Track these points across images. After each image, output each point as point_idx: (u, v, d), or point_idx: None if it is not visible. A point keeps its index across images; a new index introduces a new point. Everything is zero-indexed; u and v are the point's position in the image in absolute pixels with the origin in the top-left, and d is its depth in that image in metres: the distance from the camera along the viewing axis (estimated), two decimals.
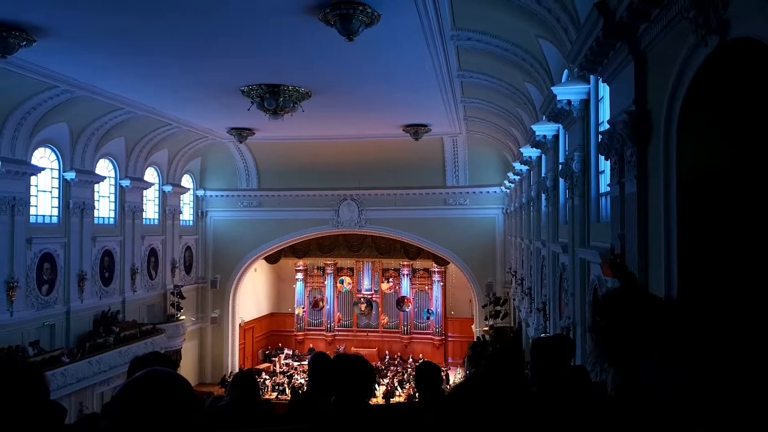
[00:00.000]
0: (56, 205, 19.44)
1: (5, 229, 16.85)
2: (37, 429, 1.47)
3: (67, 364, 17.51)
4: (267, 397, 24.33)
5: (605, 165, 8.30)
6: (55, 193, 19.40)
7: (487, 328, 23.92)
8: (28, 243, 17.82)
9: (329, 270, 34.00)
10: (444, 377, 19.26)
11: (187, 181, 27.86)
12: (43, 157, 18.64)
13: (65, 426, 1.85)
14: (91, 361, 18.57)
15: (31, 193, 18.11)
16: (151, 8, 10.19)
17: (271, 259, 31.60)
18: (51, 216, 19.31)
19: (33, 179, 18.07)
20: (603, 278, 8.05)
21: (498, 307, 24.19)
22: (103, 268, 21.51)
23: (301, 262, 33.82)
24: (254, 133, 21.97)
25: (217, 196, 29.02)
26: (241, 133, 21.69)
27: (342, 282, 34.05)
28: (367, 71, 14.30)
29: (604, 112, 8.67)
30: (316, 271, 34.44)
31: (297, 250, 31.23)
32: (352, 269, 34.01)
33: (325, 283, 34.18)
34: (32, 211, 18.28)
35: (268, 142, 24.70)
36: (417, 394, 5.51)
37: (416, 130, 21.14)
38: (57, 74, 14.52)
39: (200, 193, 28.87)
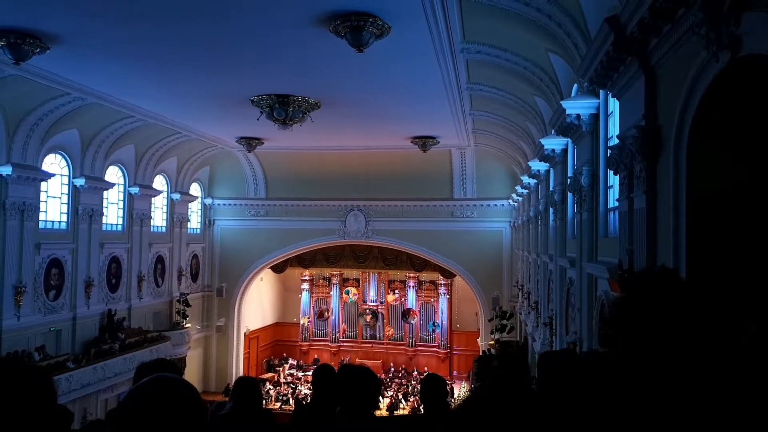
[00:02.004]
0: (65, 211, 19.54)
1: (15, 234, 16.94)
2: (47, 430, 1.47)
3: (72, 370, 17.54)
4: (270, 407, 24.22)
5: (614, 180, 8.27)
6: (65, 199, 19.51)
7: (493, 342, 23.79)
8: (37, 248, 17.92)
9: (335, 280, 33.96)
10: (449, 390, 19.14)
11: (195, 189, 27.97)
12: (54, 163, 18.75)
13: (71, 431, 1.85)
14: (96, 367, 18.60)
15: (41, 199, 18.20)
16: (164, 18, 10.29)
17: (278, 269, 31.61)
18: (60, 222, 19.41)
19: (43, 185, 18.16)
20: (611, 293, 8.00)
21: (504, 321, 24.06)
22: (110, 274, 21.58)
23: (307, 272, 33.81)
24: (263, 143, 22.06)
25: (224, 204, 29.10)
26: (250, 143, 21.77)
27: (348, 293, 33.99)
28: (376, 82, 14.36)
29: (614, 127, 8.66)
30: (321, 281, 34.41)
31: (303, 260, 31.23)
32: (357, 280, 33.97)
33: (331, 293, 34.13)
34: (41, 216, 18.37)
35: (276, 152, 24.79)
36: (422, 407, 5.46)
37: (424, 141, 21.16)
38: (69, 81, 14.65)
39: (208, 201, 28.97)
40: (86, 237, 20.08)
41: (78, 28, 10.84)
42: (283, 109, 15.26)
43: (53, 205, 19.14)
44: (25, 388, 1.47)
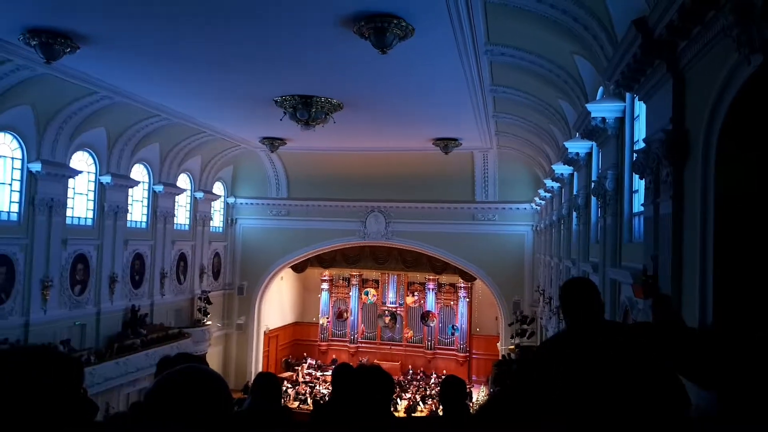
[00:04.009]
0: (91, 207, 19.88)
1: (43, 230, 17.31)
2: (73, 420, 1.50)
3: (95, 364, 17.84)
4: (288, 406, 24.33)
5: (639, 184, 8.16)
6: (91, 196, 19.85)
7: (512, 347, 23.60)
8: (64, 244, 18.27)
9: (354, 281, 34.02)
10: (468, 393, 18.96)
11: (218, 188, 28.26)
12: (81, 160, 19.09)
13: (95, 423, 1.89)
14: (118, 362, 18.91)
15: (68, 196, 18.53)
16: (189, 20, 10.41)
17: (298, 268, 31.78)
18: (86, 218, 19.76)
19: (71, 182, 18.49)
20: (634, 299, 7.90)
21: (525, 326, 23.84)
22: (133, 271, 21.90)
23: (326, 272, 33.93)
24: (286, 143, 22.21)
25: (247, 204, 29.36)
26: (273, 143, 21.94)
27: (367, 294, 34.03)
28: (399, 84, 14.37)
29: (640, 131, 8.55)
30: (341, 281, 34.50)
31: (323, 260, 31.35)
32: (377, 281, 33.99)
33: (350, 294, 34.20)
34: (68, 212, 18.71)
35: (299, 153, 24.94)
36: (440, 409, 5.44)
37: (446, 143, 21.09)
38: (98, 80, 14.91)
39: (231, 200, 29.25)
40: (111, 233, 20.41)
41: (107, 29, 11.03)
42: (306, 110, 15.35)
43: (80, 202, 19.48)
44: (58, 375, 1.50)
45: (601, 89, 10.24)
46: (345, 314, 34.01)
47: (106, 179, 19.75)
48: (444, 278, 32.12)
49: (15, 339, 16.15)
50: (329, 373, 25.89)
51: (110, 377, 18.31)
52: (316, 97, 15.25)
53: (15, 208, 16.76)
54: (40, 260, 17.27)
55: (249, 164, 27.94)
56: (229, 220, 29.35)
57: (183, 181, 25.00)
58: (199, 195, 26.00)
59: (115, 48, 12.17)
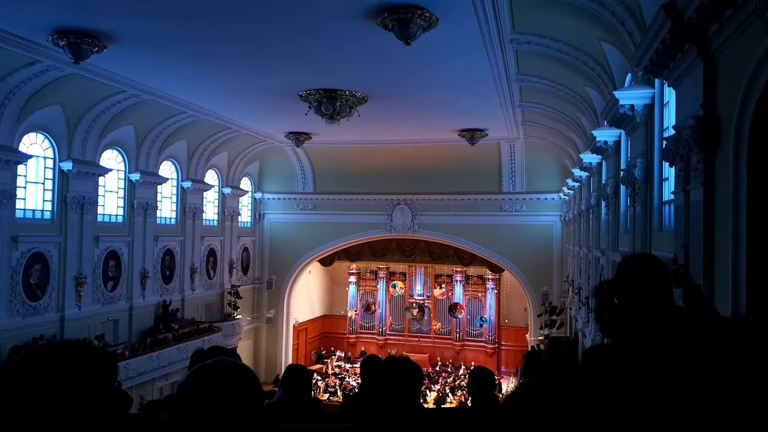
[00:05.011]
0: (122, 205, 20.27)
1: (75, 227, 17.71)
2: (108, 412, 1.54)
3: (129, 359, 18.25)
4: (318, 397, 24.55)
5: (669, 172, 8.01)
6: (121, 193, 20.24)
7: (542, 338, 23.44)
8: (96, 241, 18.67)
9: (382, 274, 34.11)
10: (497, 384, 18.91)
11: (245, 183, 28.55)
12: (111, 158, 19.46)
13: (130, 415, 1.94)
14: (151, 356, 19.30)
15: (99, 193, 18.91)
16: (214, 16, 10.51)
17: (325, 262, 31.98)
18: (117, 215, 20.16)
19: (101, 180, 18.86)
20: None
21: (554, 317, 23.66)
22: (164, 266, 22.27)
23: (354, 266, 34.09)
24: (311, 138, 22.29)
25: (274, 198, 29.61)
26: (299, 138, 22.05)
27: (394, 286, 34.09)
28: (424, 75, 14.30)
29: (670, 118, 8.37)
30: (368, 274, 34.62)
31: (350, 254, 31.49)
32: (404, 274, 34.02)
33: (378, 287, 34.30)
34: (99, 210, 19.09)
35: (324, 147, 25.03)
36: (469, 401, 5.44)
37: (472, 134, 20.94)
38: (125, 79, 15.15)
39: (258, 195, 29.53)
40: (141, 230, 20.79)
41: (133, 28, 11.19)
42: (331, 103, 15.38)
43: (110, 199, 19.88)
44: (93, 369, 1.55)
45: (629, 76, 10.06)
46: (373, 307, 34.15)
47: (135, 177, 20.11)
48: (471, 270, 32.00)
49: (51, 335, 16.60)
50: (358, 365, 26.04)
51: (144, 371, 18.72)
52: (340, 90, 15.27)
53: (48, 206, 17.18)
54: (73, 257, 17.69)
55: (275, 159, 28.16)
56: (257, 215, 29.64)
57: (211, 177, 25.30)
58: (227, 191, 26.30)
59: (141, 47, 12.35)
